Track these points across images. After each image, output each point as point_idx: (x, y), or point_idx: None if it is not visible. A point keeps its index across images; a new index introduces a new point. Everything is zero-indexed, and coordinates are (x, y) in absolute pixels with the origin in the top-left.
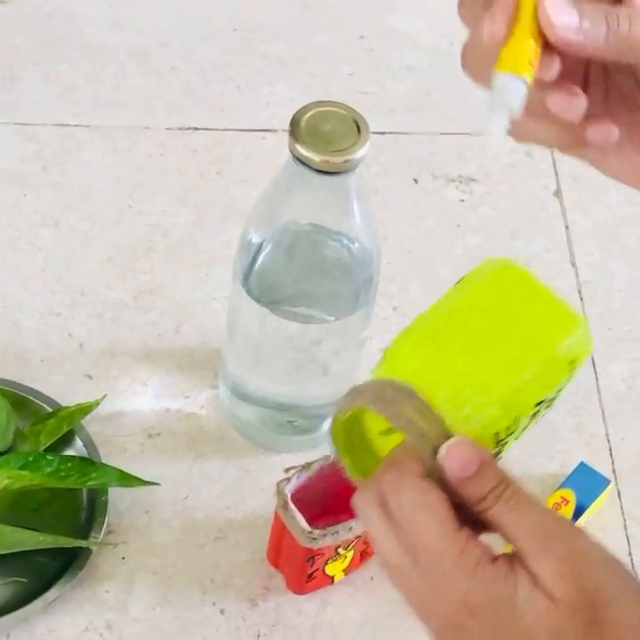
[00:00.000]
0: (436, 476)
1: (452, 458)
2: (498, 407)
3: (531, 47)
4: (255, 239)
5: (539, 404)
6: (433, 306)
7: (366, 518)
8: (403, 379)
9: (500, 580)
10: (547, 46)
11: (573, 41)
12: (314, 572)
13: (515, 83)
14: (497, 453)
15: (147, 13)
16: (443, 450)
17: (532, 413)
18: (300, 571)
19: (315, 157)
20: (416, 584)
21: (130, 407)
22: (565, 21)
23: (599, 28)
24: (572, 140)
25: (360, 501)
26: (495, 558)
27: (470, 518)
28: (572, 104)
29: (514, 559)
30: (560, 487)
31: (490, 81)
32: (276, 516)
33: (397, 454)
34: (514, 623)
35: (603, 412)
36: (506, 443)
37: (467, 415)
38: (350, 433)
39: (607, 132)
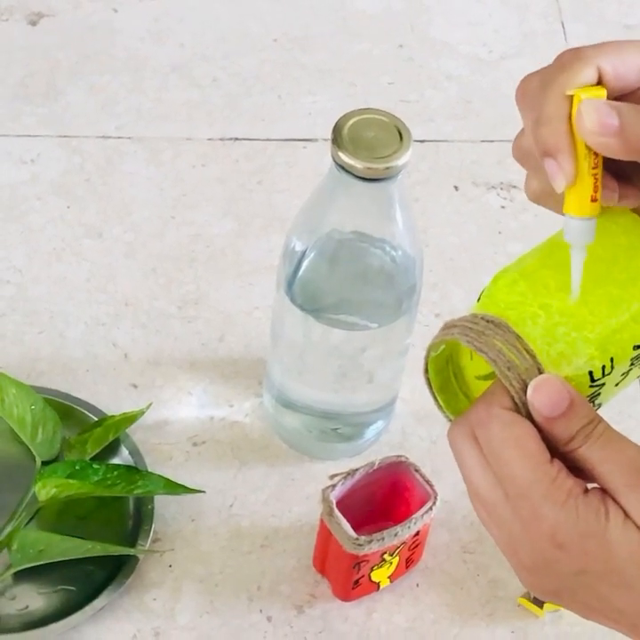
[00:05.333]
0: (526, 412)
1: (540, 396)
2: (593, 345)
3: (590, 184)
4: (298, 247)
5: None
6: (533, 248)
7: (458, 453)
8: (497, 313)
9: (591, 513)
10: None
11: (611, 144)
12: (360, 578)
13: (583, 223)
14: (593, 395)
15: (188, 26)
16: (531, 387)
17: (631, 357)
18: (346, 577)
19: (357, 164)
20: (506, 519)
21: (175, 416)
22: (604, 123)
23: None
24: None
25: (452, 436)
26: (587, 490)
27: (558, 459)
28: (608, 198)
29: (605, 494)
30: None
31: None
32: (322, 523)
33: (488, 389)
34: (604, 557)
35: None
36: (603, 385)
37: (560, 352)
38: (445, 372)
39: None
